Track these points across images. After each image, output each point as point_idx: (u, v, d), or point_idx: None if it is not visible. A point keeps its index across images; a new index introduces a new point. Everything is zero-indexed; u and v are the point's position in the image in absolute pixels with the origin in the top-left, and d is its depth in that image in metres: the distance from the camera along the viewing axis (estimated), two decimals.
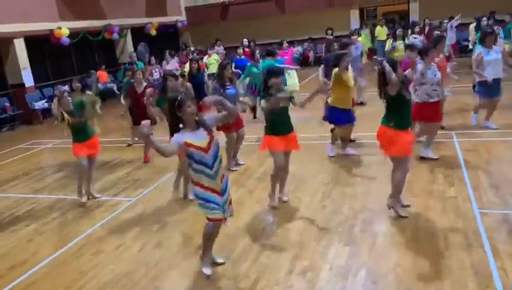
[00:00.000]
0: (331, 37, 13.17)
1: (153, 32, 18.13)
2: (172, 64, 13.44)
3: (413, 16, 18.34)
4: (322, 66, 8.48)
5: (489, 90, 7.28)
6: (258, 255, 4.34)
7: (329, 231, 4.67)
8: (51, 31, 13.58)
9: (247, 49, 13.17)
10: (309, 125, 9.05)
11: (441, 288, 3.56)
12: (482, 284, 3.55)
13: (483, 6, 15.97)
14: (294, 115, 5.42)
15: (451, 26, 14.11)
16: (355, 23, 18.89)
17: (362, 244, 4.35)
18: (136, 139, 8.98)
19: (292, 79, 11.12)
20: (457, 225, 4.50)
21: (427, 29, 13.90)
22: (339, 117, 6.64)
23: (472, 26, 14.07)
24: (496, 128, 7.34)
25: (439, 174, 5.83)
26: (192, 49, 15.54)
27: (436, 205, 4.97)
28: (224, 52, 15.71)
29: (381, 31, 16.12)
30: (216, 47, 15.45)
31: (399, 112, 4.59)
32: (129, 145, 9.23)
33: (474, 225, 4.47)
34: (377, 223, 4.76)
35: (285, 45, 12.94)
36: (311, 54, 16.97)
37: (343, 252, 4.25)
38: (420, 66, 6.07)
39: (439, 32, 10.80)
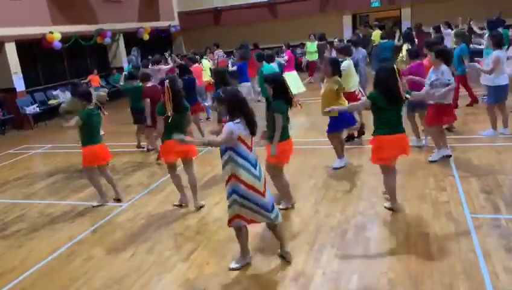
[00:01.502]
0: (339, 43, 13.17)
1: (146, 37, 18.11)
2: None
3: (405, 22, 18.49)
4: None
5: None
6: (251, 260, 4.32)
7: (322, 236, 4.67)
8: (43, 35, 13.51)
9: None
10: (302, 131, 9.08)
11: None
12: (474, 288, 3.56)
13: (475, 11, 16.16)
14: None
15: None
16: (348, 29, 19.01)
17: (355, 249, 4.35)
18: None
19: (294, 81, 11.16)
20: (449, 230, 4.52)
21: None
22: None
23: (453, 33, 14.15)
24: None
25: (431, 179, 5.86)
26: (176, 58, 15.44)
27: (429, 210, 4.99)
28: (225, 56, 15.77)
29: (377, 35, 16.21)
30: (216, 51, 15.47)
31: None
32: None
33: (466, 229, 4.49)
34: (370, 228, 4.76)
35: (283, 48, 13.13)
36: (303, 60, 17.00)
37: (336, 257, 4.25)
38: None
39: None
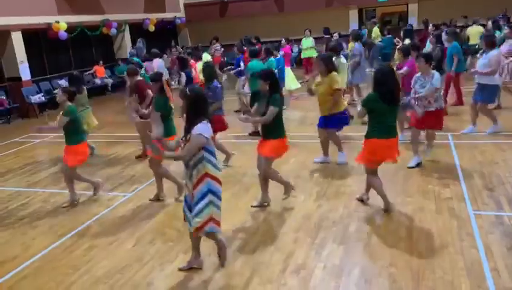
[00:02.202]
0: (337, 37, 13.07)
1: (152, 28, 18.08)
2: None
3: (412, 18, 18.37)
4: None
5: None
6: (252, 252, 4.34)
7: (323, 230, 4.67)
8: (49, 24, 13.52)
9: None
10: (304, 125, 9.06)
11: (433, 288, 3.56)
12: (475, 284, 3.56)
13: (480, 8, 16.04)
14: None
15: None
16: (354, 24, 18.91)
17: (356, 244, 4.35)
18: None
19: (291, 76, 11.06)
20: (452, 226, 4.51)
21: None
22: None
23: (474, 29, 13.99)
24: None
25: (434, 176, 5.85)
26: (181, 49, 15.39)
27: (431, 206, 4.98)
28: (222, 49, 15.70)
29: (376, 31, 16.03)
30: (214, 46, 15.38)
31: None
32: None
33: (468, 226, 4.48)
34: (371, 223, 4.76)
35: (283, 42, 12.95)
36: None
37: (337, 251, 4.25)
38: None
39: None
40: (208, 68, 6.76)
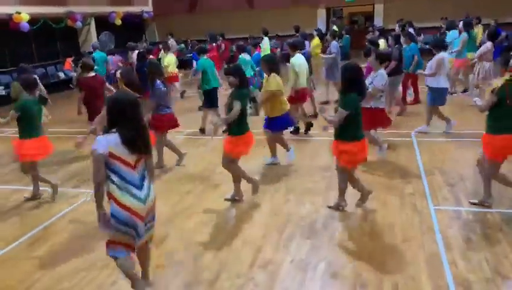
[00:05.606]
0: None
1: (118, 22, 17.73)
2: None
3: (378, 18, 18.78)
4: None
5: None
6: (221, 247, 4.36)
7: (291, 225, 4.75)
8: (10, 15, 13.03)
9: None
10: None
11: (395, 281, 3.69)
12: (434, 276, 3.71)
13: (446, 9, 16.56)
14: None
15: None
16: (321, 23, 19.16)
17: (323, 238, 4.44)
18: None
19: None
20: (413, 221, 4.68)
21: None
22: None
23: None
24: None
25: (398, 172, 6.03)
26: (145, 44, 15.15)
27: (394, 201, 5.14)
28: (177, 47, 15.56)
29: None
30: (170, 41, 15.05)
31: None
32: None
33: (429, 220, 4.65)
34: (338, 218, 4.87)
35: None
36: (277, 52, 17.02)
37: (304, 245, 4.33)
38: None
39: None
40: (152, 66, 6.50)
